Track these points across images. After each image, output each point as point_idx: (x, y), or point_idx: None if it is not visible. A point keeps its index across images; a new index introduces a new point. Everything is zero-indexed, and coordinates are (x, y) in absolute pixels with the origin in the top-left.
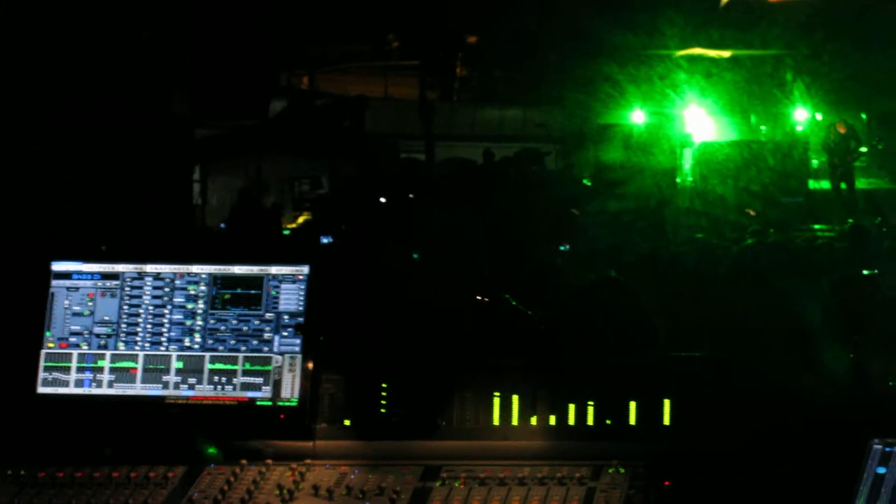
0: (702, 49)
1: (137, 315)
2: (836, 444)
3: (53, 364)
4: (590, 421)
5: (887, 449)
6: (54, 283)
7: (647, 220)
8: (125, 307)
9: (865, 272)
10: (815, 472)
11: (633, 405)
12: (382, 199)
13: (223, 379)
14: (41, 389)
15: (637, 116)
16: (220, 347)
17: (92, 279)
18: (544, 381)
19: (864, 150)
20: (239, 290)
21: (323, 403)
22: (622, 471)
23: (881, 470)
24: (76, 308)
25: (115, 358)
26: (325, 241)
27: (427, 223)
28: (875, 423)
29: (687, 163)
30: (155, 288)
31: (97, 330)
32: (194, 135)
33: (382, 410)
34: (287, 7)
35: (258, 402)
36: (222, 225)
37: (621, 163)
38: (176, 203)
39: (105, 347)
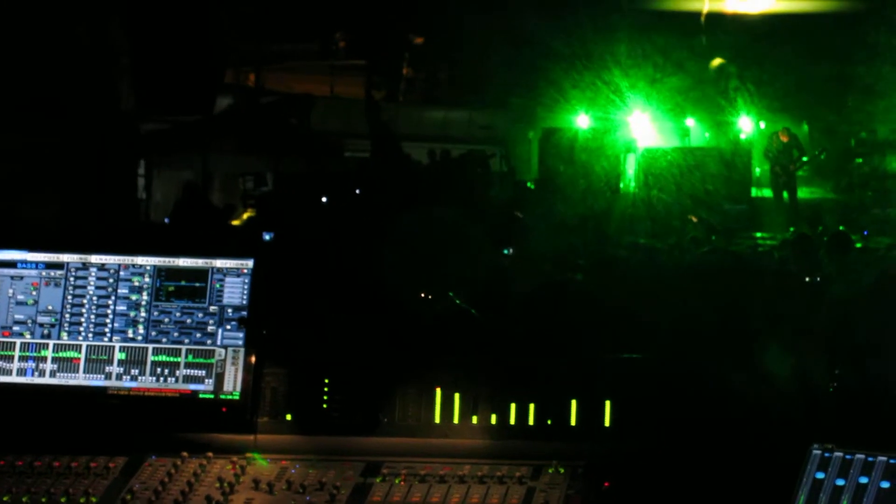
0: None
1: (81, 305)
2: (776, 447)
3: None
4: (531, 421)
5: (826, 454)
6: None
7: (590, 224)
8: (69, 297)
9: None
10: (755, 475)
11: (573, 406)
12: (324, 199)
13: (166, 371)
14: None
15: (582, 121)
16: (164, 339)
17: (37, 268)
18: (486, 380)
19: (805, 159)
20: (183, 283)
21: (265, 397)
22: (562, 471)
23: (820, 475)
24: (20, 297)
25: (58, 348)
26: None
27: (371, 222)
28: (815, 427)
29: (631, 168)
30: (99, 279)
31: (41, 319)
32: (139, 129)
33: (324, 406)
34: (234, 3)
35: (200, 395)
36: (166, 220)
37: (565, 167)
38: (120, 197)
39: (48, 337)
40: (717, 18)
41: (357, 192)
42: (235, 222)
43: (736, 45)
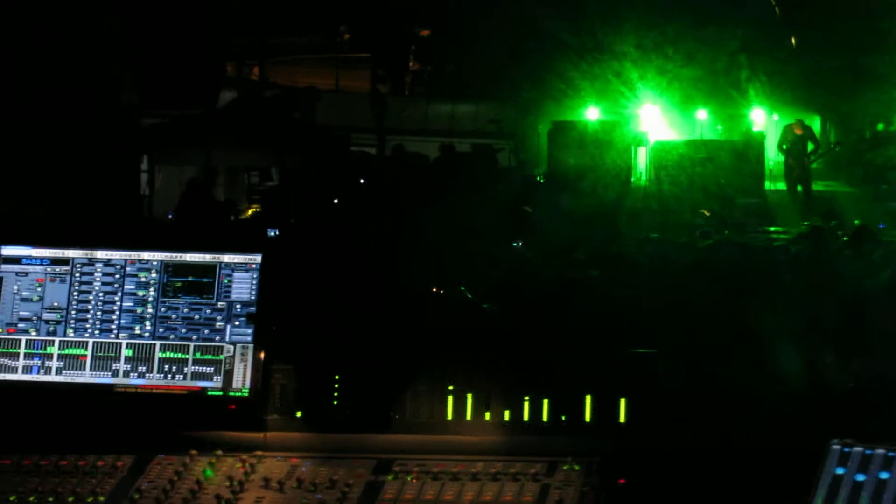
0: None
1: (87, 302)
2: (793, 444)
3: (1, 350)
4: (545, 417)
5: (846, 450)
6: (3, 267)
7: (600, 218)
8: (75, 293)
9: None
10: (772, 472)
11: (588, 402)
12: (333, 193)
13: (174, 368)
14: None
15: (592, 114)
16: (171, 336)
17: (42, 264)
18: (499, 376)
19: (821, 151)
20: (191, 279)
21: (274, 394)
22: (577, 467)
23: (840, 471)
24: (25, 293)
25: (64, 345)
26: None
27: (380, 217)
28: (833, 423)
29: (641, 161)
30: (105, 274)
31: (46, 316)
32: (141, 124)
33: (335, 402)
34: None
35: (209, 392)
36: (170, 215)
37: (574, 161)
38: (123, 191)
39: (54, 334)
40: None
41: (361, 182)
42: (241, 217)
43: (748, 35)
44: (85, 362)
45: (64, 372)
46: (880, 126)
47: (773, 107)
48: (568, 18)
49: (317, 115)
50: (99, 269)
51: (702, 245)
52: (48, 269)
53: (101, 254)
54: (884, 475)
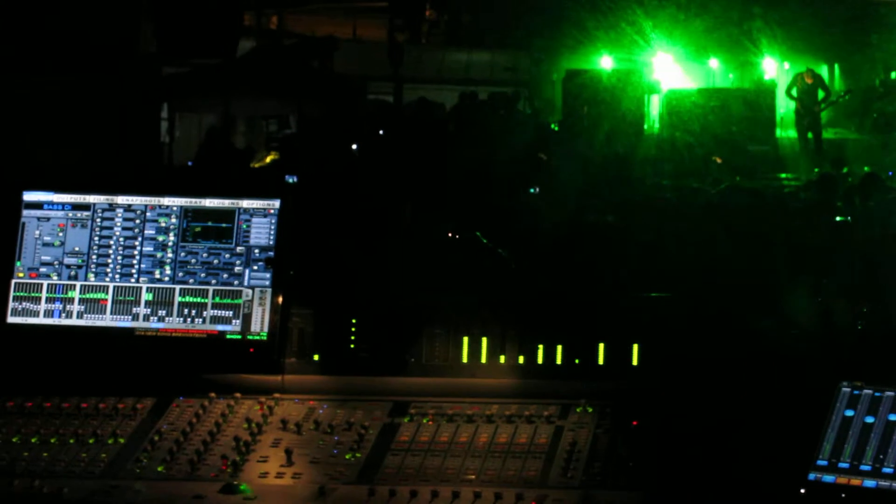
0: None
1: (108, 247)
2: (803, 385)
3: (23, 294)
4: (558, 360)
5: (855, 392)
6: (25, 212)
7: (613, 165)
8: (96, 238)
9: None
10: (782, 413)
11: (601, 345)
12: (350, 141)
13: (193, 312)
14: (11, 319)
15: (605, 62)
16: (191, 280)
17: (63, 210)
18: (513, 320)
19: (832, 99)
20: (210, 224)
21: (292, 338)
22: (590, 409)
23: (849, 412)
24: (47, 238)
25: (85, 289)
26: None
27: (397, 164)
28: (842, 365)
29: (654, 110)
30: (126, 220)
31: (67, 261)
32: (161, 73)
33: (352, 346)
34: None
35: (228, 336)
36: (189, 164)
37: (588, 109)
38: (143, 140)
39: (75, 278)
40: None
41: (381, 132)
42: (258, 164)
43: None
44: (105, 306)
45: (85, 316)
46: (893, 75)
47: (784, 55)
48: None
49: (334, 64)
50: (119, 215)
51: (714, 191)
52: (69, 215)
53: (121, 199)
54: (892, 417)
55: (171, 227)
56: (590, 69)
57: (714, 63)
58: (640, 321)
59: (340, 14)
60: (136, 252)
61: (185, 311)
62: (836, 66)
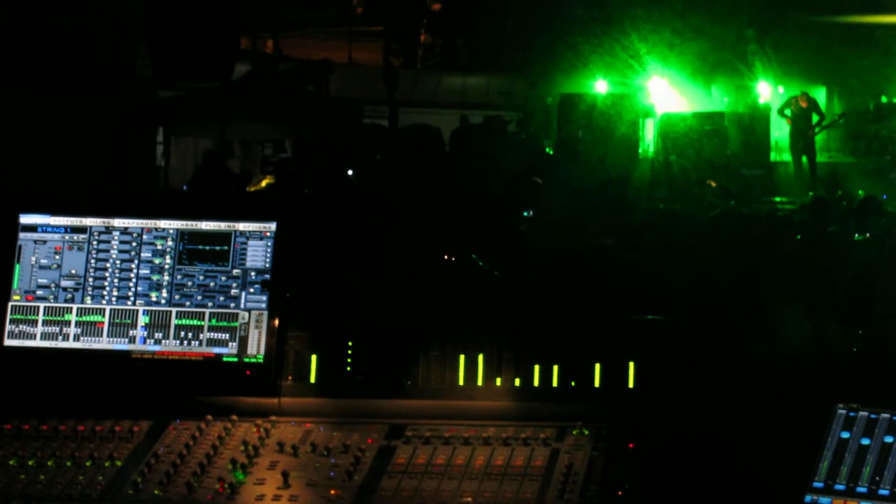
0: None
1: (105, 269)
2: (799, 408)
3: (20, 317)
4: (555, 383)
5: (851, 414)
6: (22, 235)
7: (609, 189)
8: (92, 261)
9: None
10: (778, 436)
11: (597, 368)
12: (346, 165)
13: (189, 334)
14: (7, 342)
15: (600, 86)
16: (187, 303)
17: (59, 232)
18: (509, 343)
19: (825, 123)
20: (206, 246)
21: (288, 360)
22: (586, 432)
23: (845, 434)
24: (43, 261)
25: (81, 312)
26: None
27: (393, 187)
28: (838, 388)
29: (649, 133)
30: (122, 242)
31: (64, 283)
32: (157, 96)
33: (348, 368)
34: None
35: (224, 359)
36: (185, 187)
37: (583, 133)
38: (139, 163)
39: (72, 301)
40: None
41: (378, 157)
42: (254, 188)
43: (755, 8)
44: (102, 329)
45: (82, 338)
46: (884, 98)
47: (778, 79)
48: None
49: (330, 88)
50: (116, 237)
51: (709, 216)
52: (66, 238)
53: (118, 222)
54: (888, 439)
55: (168, 249)
56: (585, 93)
57: (709, 87)
58: (636, 343)
59: (336, 38)
60: (132, 275)
61: (182, 333)
62: (830, 89)
